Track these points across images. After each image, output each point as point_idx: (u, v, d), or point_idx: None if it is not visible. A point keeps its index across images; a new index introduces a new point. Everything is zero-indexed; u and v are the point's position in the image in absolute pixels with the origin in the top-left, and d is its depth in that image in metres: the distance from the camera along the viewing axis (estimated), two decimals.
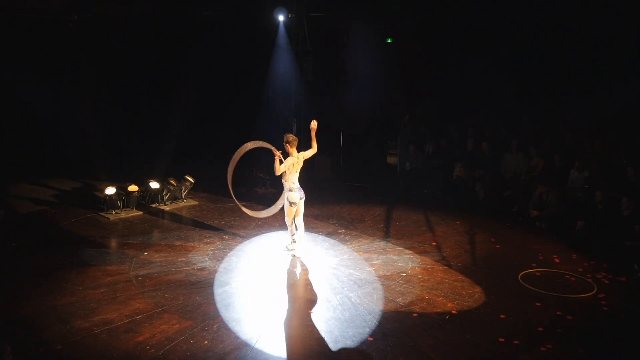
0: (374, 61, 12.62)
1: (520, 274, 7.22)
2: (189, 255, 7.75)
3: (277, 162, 7.30)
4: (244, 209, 8.30)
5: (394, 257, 7.80)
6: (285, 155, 7.43)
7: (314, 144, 7.57)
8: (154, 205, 10.06)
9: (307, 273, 7.30)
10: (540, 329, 5.88)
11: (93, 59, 12.58)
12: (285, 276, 7.21)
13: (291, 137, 7.46)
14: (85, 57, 12.47)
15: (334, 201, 10.59)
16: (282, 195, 7.79)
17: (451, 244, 8.40)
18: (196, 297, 6.45)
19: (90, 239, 8.34)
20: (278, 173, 7.33)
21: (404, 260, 7.70)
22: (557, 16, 11.42)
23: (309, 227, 8.73)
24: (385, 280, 7.02)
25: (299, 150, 7.51)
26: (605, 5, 10.93)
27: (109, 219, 9.37)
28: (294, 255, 7.77)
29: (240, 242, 8.36)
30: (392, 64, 12.85)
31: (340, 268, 7.40)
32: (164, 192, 10.15)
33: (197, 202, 10.43)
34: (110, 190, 9.57)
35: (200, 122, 13.10)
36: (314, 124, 7.52)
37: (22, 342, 5.44)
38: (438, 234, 8.90)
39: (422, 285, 6.89)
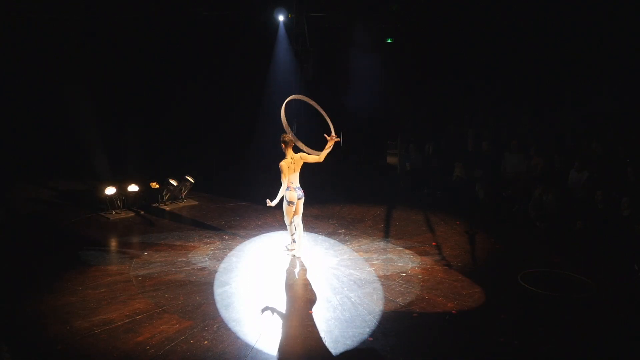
0: (374, 61, 12.64)
1: (520, 274, 7.22)
2: (189, 255, 7.75)
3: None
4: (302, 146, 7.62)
5: (394, 257, 7.80)
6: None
7: (323, 155, 7.44)
8: (154, 205, 10.06)
9: (307, 273, 7.29)
10: (540, 329, 5.88)
11: (93, 58, 12.58)
12: (285, 276, 7.21)
13: (287, 137, 7.40)
14: (85, 57, 12.46)
15: (334, 201, 10.59)
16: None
17: (451, 244, 8.40)
18: (196, 297, 6.45)
19: (90, 239, 8.34)
20: (283, 180, 7.27)
21: (404, 260, 7.69)
22: (556, 16, 11.43)
23: (308, 227, 8.74)
24: (385, 280, 7.02)
25: (297, 151, 7.49)
26: (604, 6, 10.94)
27: (109, 219, 9.37)
28: (293, 255, 7.76)
29: (240, 242, 8.36)
30: (392, 64, 12.86)
31: (340, 268, 7.40)
32: (164, 192, 10.15)
33: (197, 202, 10.43)
34: (110, 190, 9.58)
35: (201, 122, 13.11)
36: (334, 137, 7.41)
37: (22, 342, 5.44)
38: (438, 234, 8.89)
39: (422, 285, 6.88)
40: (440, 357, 5.35)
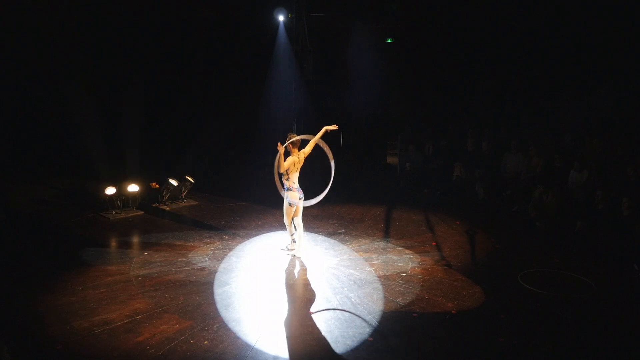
0: (374, 61, 12.65)
1: (520, 274, 7.22)
2: (189, 255, 7.75)
3: (281, 158, 7.13)
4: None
5: (394, 257, 7.80)
6: (287, 154, 7.36)
7: (317, 137, 7.39)
8: (154, 205, 10.06)
9: (307, 273, 7.29)
10: (540, 329, 5.88)
11: (93, 58, 12.58)
12: (285, 276, 7.21)
13: (295, 136, 7.39)
14: (86, 56, 12.46)
15: (334, 201, 10.56)
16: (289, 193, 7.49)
17: (451, 244, 8.40)
18: (196, 297, 6.45)
19: (90, 239, 8.34)
20: (282, 170, 7.25)
21: (404, 260, 7.69)
22: (557, 16, 11.44)
23: (309, 227, 8.74)
24: (385, 280, 7.02)
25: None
26: (605, 6, 10.95)
27: (109, 219, 9.37)
28: (293, 255, 7.77)
29: (240, 242, 8.36)
30: (392, 64, 12.87)
31: (340, 268, 7.40)
32: (164, 192, 10.15)
33: (197, 202, 10.43)
34: (110, 190, 9.57)
35: (201, 122, 13.11)
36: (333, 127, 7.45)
37: (22, 342, 5.44)
38: (438, 234, 8.89)
39: (422, 285, 6.88)
40: (440, 357, 5.35)
